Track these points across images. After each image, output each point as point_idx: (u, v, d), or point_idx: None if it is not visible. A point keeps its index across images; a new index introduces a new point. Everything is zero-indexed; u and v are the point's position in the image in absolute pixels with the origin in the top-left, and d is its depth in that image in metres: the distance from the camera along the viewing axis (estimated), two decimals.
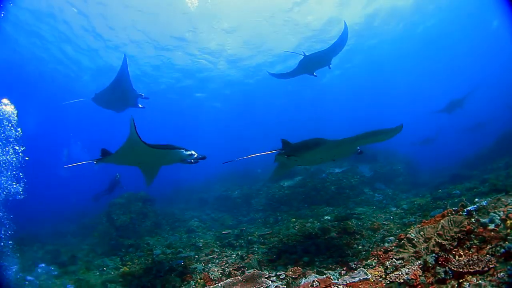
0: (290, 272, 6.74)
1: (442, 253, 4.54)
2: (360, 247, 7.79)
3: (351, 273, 5.86)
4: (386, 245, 6.93)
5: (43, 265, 10.31)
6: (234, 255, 8.91)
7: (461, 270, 3.85)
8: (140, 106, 13.04)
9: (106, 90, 12.46)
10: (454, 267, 3.97)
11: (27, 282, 8.98)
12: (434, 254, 4.49)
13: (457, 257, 4.36)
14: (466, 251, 4.47)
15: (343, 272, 6.45)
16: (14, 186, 9.65)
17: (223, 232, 11.86)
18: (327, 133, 7.57)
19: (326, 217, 11.20)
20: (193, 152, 6.71)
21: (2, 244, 9.50)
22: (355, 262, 6.63)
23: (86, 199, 16.86)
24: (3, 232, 9.51)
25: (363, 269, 5.38)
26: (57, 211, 21.33)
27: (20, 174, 9.77)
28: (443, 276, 4.02)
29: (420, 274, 4.28)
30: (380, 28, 25.98)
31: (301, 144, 6.54)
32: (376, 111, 46.05)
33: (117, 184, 15.53)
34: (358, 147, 6.78)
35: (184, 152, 6.61)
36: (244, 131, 49.18)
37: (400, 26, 26.09)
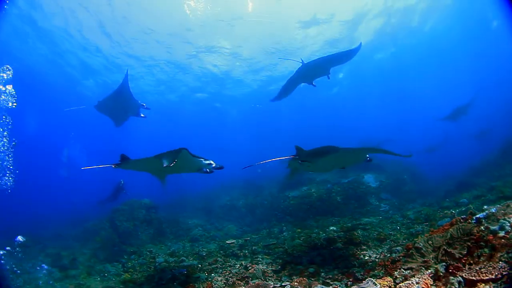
0: (295, 283, 6.62)
1: (452, 261, 4.41)
2: (366, 257, 7.65)
3: (359, 284, 5.72)
4: (394, 255, 6.79)
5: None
6: (238, 265, 8.78)
7: (474, 278, 3.71)
8: (142, 115, 13.12)
9: (107, 99, 12.57)
10: (466, 274, 3.84)
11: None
12: (444, 263, 4.37)
13: (467, 266, 4.24)
14: (476, 259, 4.35)
15: (349, 283, 6.33)
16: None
17: (227, 241, 11.71)
18: (335, 141, 7.60)
19: (331, 228, 11.06)
20: (212, 162, 6.68)
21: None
22: (362, 273, 6.51)
23: (89, 202, 16.86)
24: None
25: (372, 279, 5.24)
26: (59, 214, 21.31)
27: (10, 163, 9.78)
28: (456, 285, 3.88)
29: (431, 283, 4.15)
30: (385, 38, 26.09)
31: (314, 151, 6.71)
32: (383, 119, 46.00)
33: (121, 190, 15.61)
34: (367, 155, 6.90)
35: (203, 161, 6.60)
36: (250, 138, 49.14)
37: (404, 35, 26.14)
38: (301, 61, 11.86)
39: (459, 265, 4.21)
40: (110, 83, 28.00)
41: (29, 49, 22.28)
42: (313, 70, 12.12)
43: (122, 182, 15.78)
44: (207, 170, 6.69)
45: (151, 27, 20.69)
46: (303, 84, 12.81)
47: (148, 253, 11.79)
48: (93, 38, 21.54)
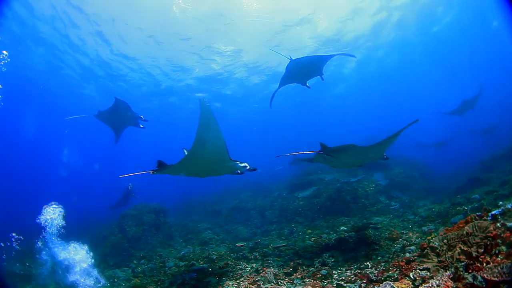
0: (308, 286, 6.53)
1: (469, 261, 4.30)
2: (379, 257, 7.54)
3: (374, 285, 5.62)
4: (408, 255, 6.66)
5: None
6: (249, 268, 8.69)
7: (496, 279, 3.59)
8: (141, 126, 13.17)
9: (107, 111, 12.67)
10: (487, 275, 3.71)
11: None
12: (462, 263, 4.25)
13: (484, 264, 4.12)
14: (494, 257, 4.23)
15: (363, 284, 6.22)
16: None
17: (237, 244, 11.65)
18: (343, 139, 7.76)
19: (342, 228, 10.95)
20: (246, 164, 6.64)
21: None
22: (376, 274, 6.39)
23: (97, 207, 16.86)
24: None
25: (390, 282, 5.11)
26: (68, 219, 21.38)
27: None
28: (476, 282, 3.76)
29: (452, 286, 4.02)
30: (388, 37, 26.06)
31: (337, 148, 7.12)
32: (389, 117, 45.89)
33: (131, 194, 15.72)
34: (384, 154, 7.37)
35: (239, 164, 6.56)
36: (253, 139, 49.12)
37: (408, 32, 26.04)
38: (289, 57, 11.26)
39: (479, 265, 4.09)
40: (111, 86, 28.22)
41: (28, 52, 22.35)
42: (303, 68, 11.50)
43: (131, 186, 15.87)
44: (238, 171, 6.67)
45: (148, 27, 20.69)
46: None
47: (158, 257, 11.74)
48: (91, 40, 21.58)
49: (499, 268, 3.68)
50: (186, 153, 6.16)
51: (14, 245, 10.10)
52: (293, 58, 11.15)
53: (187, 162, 6.20)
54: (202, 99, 5.18)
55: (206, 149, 5.86)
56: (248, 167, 6.60)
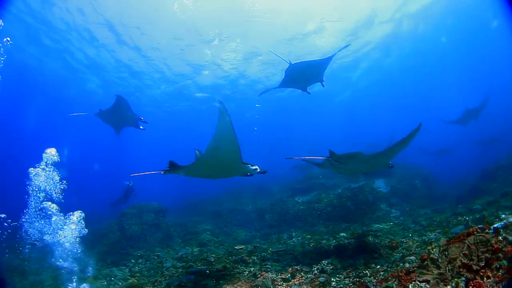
0: None
1: (470, 274, 4.24)
2: (378, 266, 7.47)
3: None
4: (407, 265, 6.60)
5: None
6: (247, 272, 8.62)
7: None
8: (141, 127, 13.19)
9: (107, 111, 12.72)
10: None
11: None
12: (463, 277, 4.19)
13: (485, 278, 4.06)
14: (495, 271, 4.17)
15: None
16: None
17: (236, 247, 11.56)
18: (347, 146, 7.85)
19: (342, 234, 10.89)
20: (257, 167, 6.73)
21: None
22: (374, 283, 6.33)
23: (97, 206, 16.86)
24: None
25: None
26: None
27: None
28: None
29: None
30: (392, 46, 26.13)
31: (345, 155, 7.32)
32: (397, 124, 45.90)
33: (131, 192, 15.74)
34: (390, 162, 7.56)
35: (250, 167, 6.66)
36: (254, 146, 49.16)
37: (417, 41, 26.11)
38: (288, 61, 11.07)
39: (480, 280, 4.03)
40: (116, 81, 28.31)
41: (34, 44, 22.37)
42: (302, 74, 11.31)
43: (131, 183, 15.88)
44: (248, 174, 6.74)
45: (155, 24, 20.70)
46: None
47: (155, 257, 11.71)
48: (99, 34, 21.49)
49: (500, 286, 3.63)
50: (198, 154, 6.13)
51: (12, 241, 10.09)
52: (292, 63, 11.00)
53: (201, 164, 6.29)
54: (221, 102, 5.33)
55: (221, 151, 5.95)
56: (258, 170, 6.65)
